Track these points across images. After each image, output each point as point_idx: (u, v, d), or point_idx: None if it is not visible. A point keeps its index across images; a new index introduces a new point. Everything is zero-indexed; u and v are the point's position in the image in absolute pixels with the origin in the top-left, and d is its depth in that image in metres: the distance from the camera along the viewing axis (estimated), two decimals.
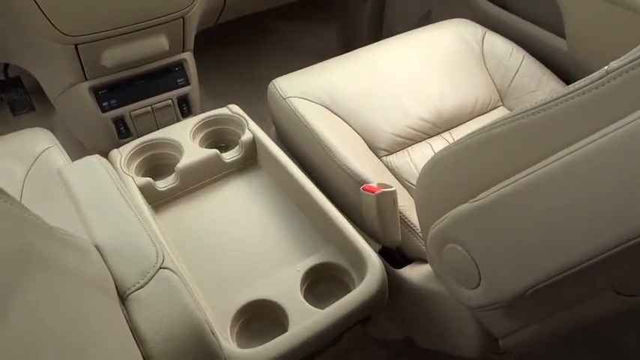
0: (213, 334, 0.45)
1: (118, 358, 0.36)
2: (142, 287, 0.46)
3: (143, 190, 0.80)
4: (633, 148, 0.35)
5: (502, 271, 0.46)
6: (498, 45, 1.02)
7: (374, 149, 0.85)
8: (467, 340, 0.65)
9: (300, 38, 1.66)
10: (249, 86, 1.46)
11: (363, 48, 1.01)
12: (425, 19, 1.35)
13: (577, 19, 0.94)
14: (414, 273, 0.71)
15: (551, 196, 0.41)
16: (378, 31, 1.52)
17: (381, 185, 0.69)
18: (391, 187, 0.68)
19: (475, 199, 0.48)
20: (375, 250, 0.70)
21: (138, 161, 0.87)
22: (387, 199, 0.68)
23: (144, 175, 0.83)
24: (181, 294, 0.45)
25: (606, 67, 0.39)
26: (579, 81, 0.41)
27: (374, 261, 0.67)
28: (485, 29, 1.05)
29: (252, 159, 0.90)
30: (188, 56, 1.10)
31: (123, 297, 0.46)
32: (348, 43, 1.60)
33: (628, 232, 0.36)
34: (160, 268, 0.47)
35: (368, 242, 0.71)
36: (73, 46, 0.91)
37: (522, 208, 0.43)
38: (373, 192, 0.68)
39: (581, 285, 0.44)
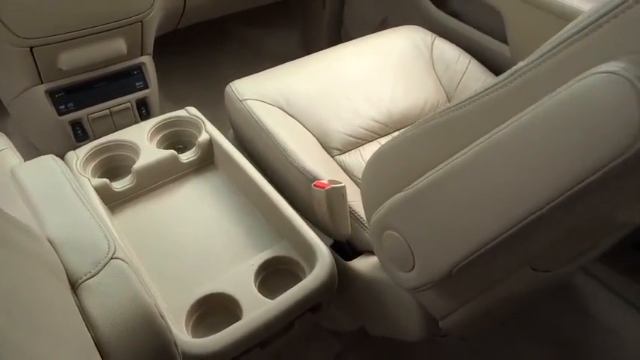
0: (162, 318, 0.47)
1: (68, 337, 0.37)
2: (93, 276, 0.47)
3: (99, 190, 0.81)
4: (525, 138, 0.40)
5: (431, 252, 0.51)
6: (447, 50, 1.08)
7: (327, 149, 0.89)
8: (411, 324, 0.69)
9: (260, 43, 1.68)
10: (210, 90, 1.47)
11: (320, 52, 1.04)
12: (382, 25, 1.40)
13: (517, 27, 1.01)
14: (362, 264, 0.75)
15: (463, 182, 0.46)
16: (337, 37, 1.56)
17: (331, 182, 0.72)
18: (340, 183, 0.72)
19: (408, 187, 0.52)
20: (326, 244, 0.73)
21: (94, 163, 0.87)
22: (337, 194, 0.72)
23: (101, 177, 0.84)
24: (132, 281, 0.47)
25: (515, 66, 0.44)
26: (498, 77, 0.46)
27: (323, 252, 0.71)
28: (434, 35, 1.10)
29: (208, 159, 0.92)
30: (147, 60, 1.10)
31: (74, 286, 0.47)
32: (308, 48, 1.64)
33: (520, 213, 0.41)
34: (112, 258, 0.49)
35: (320, 237, 0.74)
36: (28, 49, 0.90)
37: (443, 194, 0.48)
38: (324, 188, 0.72)
39: (498, 261, 0.49)
